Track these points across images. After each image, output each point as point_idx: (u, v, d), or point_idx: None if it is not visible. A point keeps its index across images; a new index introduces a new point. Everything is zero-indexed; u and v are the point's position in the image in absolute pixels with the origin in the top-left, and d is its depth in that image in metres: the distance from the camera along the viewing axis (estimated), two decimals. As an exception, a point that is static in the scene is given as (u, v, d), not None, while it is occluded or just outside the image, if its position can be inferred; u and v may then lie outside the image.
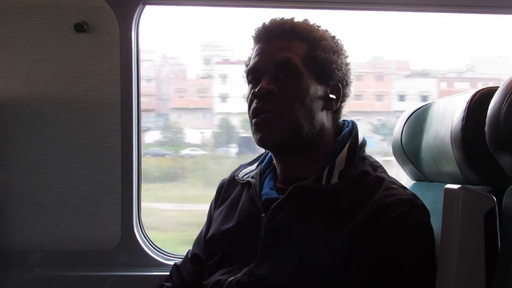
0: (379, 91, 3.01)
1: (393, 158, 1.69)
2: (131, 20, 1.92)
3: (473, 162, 1.19)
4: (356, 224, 1.18)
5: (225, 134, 2.95)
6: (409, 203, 1.20)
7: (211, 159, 2.91)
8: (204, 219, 1.56)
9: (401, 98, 2.95)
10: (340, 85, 1.35)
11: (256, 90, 1.28)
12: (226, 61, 3.00)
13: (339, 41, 1.37)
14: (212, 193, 1.55)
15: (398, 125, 1.62)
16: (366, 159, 1.33)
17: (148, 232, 2.01)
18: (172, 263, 1.68)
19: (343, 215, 1.21)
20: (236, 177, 1.46)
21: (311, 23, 1.36)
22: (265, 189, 1.35)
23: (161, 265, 1.95)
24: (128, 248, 1.95)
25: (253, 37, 1.37)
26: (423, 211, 1.23)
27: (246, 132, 2.67)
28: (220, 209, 1.45)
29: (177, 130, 2.98)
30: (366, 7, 2.05)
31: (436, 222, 1.23)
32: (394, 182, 1.27)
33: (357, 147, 1.32)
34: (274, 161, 1.38)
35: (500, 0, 2.00)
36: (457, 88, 2.81)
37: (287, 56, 1.29)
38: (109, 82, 1.92)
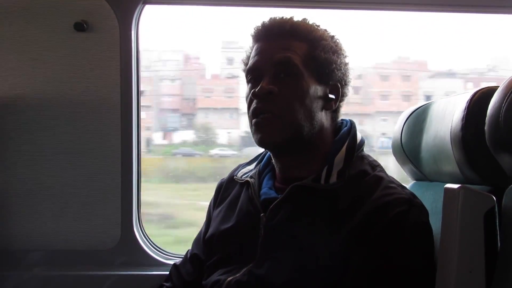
0: (405, 91, 3.01)
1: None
2: (131, 19, 1.92)
3: (472, 161, 1.19)
4: (355, 223, 1.18)
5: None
6: (408, 202, 1.20)
7: (241, 159, 2.90)
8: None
9: (428, 98, 2.96)
10: (339, 85, 1.35)
11: (256, 90, 1.28)
12: None
13: (338, 40, 1.37)
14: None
15: (398, 125, 1.62)
16: (364, 158, 1.33)
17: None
18: (171, 262, 1.68)
19: (342, 214, 1.21)
20: (234, 177, 1.46)
21: (310, 22, 1.36)
22: (264, 189, 1.35)
23: (160, 265, 1.95)
24: (128, 248, 1.95)
25: (252, 36, 1.37)
26: (422, 211, 1.23)
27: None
28: (219, 209, 1.45)
29: (206, 129, 2.98)
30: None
31: (436, 222, 1.23)
32: (392, 181, 1.28)
33: (355, 147, 1.32)
34: (273, 160, 1.38)
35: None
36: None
37: (287, 56, 1.29)
38: (109, 81, 1.92)
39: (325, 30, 1.36)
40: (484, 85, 1.25)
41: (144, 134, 2.81)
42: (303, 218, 1.25)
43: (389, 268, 1.16)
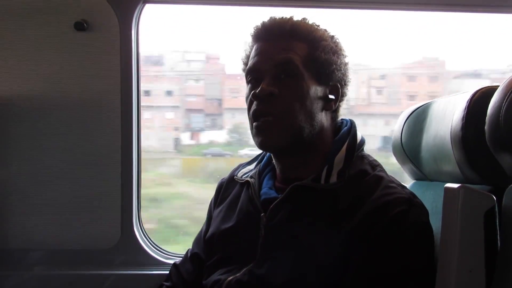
0: (432, 92, 3.01)
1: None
2: (131, 18, 1.92)
3: (473, 161, 1.19)
4: (355, 223, 1.18)
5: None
6: (408, 202, 1.20)
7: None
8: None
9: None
10: (339, 85, 1.34)
11: (257, 91, 1.27)
12: None
13: (338, 40, 1.37)
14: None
15: (398, 124, 1.62)
16: (364, 158, 1.33)
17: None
18: (171, 262, 1.68)
19: (342, 214, 1.21)
20: (235, 177, 1.46)
21: (310, 22, 1.35)
22: (264, 189, 1.35)
23: (160, 264, 1.95)
24: (127, 247, 1.95)
25: (252, 35, 1.36)
26: (422, 210, 1.23)
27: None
28: (219, 208, 1.44)
29: (236, 130, 2.98)
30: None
31: (436, 221, 1.23)
32: (393, 181, 1.27)
33: (355, 146, 1.32)
34: (274, 161, 1.38)
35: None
36: None
37: (288, 56, 1.28)
38: (109, 81, 1.92)
39: (325, 30, 1.36)
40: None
41: (172, 134, 2.82)
42: (303, 218, 1.25)
43: (389, 268, 1.15)
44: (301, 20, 1.34)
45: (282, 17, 1.33)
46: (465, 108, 1.20)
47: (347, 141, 1.32)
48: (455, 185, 1.09)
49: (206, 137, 2.90)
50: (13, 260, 1.91)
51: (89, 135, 1.93)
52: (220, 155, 2.91)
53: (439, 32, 2.45)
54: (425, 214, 1.23)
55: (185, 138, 2.96)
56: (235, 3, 2.08)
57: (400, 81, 2.94)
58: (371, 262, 1.16)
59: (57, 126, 1.92)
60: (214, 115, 2.98)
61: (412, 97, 2.91)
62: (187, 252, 1.54)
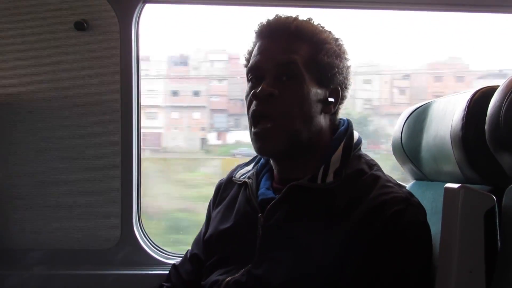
0: (459, 92, 3.02)
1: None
2: (131, 18, 1.92)
3: (473, 161, 1.19)
4: (352, 223, 1.18)
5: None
6: (405, 201, 1.20)
7: None
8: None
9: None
10: (339, 88, 1.34)
11: (257, 91, 1.26)
12: None
13: (342, 43, 1.36)
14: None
15: (398, 124, 1.62)
16: (361, 158, 1.32)
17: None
18: (171, 262, 1.68)
19: (339, 214, 1.21)
20: (233, 177, 1.45)
21: (315, 23, 1.34)
22: (262, 189, 1.35)
23: (160, 264, 1.95)
24: (128, 247, 1.95)
25: (256, 32, 1.35)
26: (419, 209, 1.22)
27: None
28: (218, 209, 1.44)
29: None
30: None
31: (436, 221, 1.23)
32: (390, 180, 1.27)
33: (352, 146, 1.31)
34: (271, 162, 1.38)
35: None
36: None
37: (290, 57, 1.27)
38: (109, 80, 1.91)
39: (330, 32, 1.35)
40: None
41: (199, 134, 2.82)
42: (300, 218, 1.25)
43: (387, 268, 1.15)
44: (306, 21, 1.33)
45: (288, 17, 1.32)
46: (465, 108, 1.20)
47: (344, 140, 1.31)
48: (455, 185, 1.09)
49: (232, 137, 2.90)
50: (13, 260, 1.91)
51: (89, 135, 1.92)
52: (249, 155, 2.92)
53: (461, 32, 2.44)
54: (422, 213, 1.23)
55: (211, 138, 2.97)
56: (235, 3, 2.08)
57: (426, 82, 2.94)
58: (369, 261, 1.16)
59: (57, 126, 1.92)
60: (237, 115, 2.98)
61: (438, 98, 2.93)
62: (186, 253, 1.53)
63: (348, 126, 1.35)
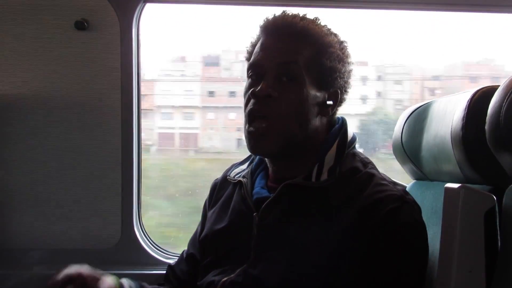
0: None
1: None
2: (132, 18, 1.92)
3: (473, 161, 1.19)
4: (348, 221, 1.18)
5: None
6: (400, 199, 1.19)
7: None
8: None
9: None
10: (339, 91, 1.33)
11: (256, 90, 1.26)
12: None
13: (346, 47, 1.34)
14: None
15: (398, 124, 1.62)
16: (356, 156, 1.32)
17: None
18: (171, 261, 1.68)
19: (334, 212, 1.20)
20: (228, 177, 1.45)
21: (322, 24, 1.32)
22: (256, 188, 1.34)
23: (160, 264, 1.95)
24: (128, 247, 1.95)
25: (261, 27, 1.33)
26: (414, 207, 1.22)
27: (363, 132, 2.68)
28: (213, 209, 1.44)
29: None
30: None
31: (436, 221, 1.23)
32: (384, 178, 1.27)
33: (346, 144, 1.31)
34: (266, 161, 1.38)
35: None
36: None
37: (292, 58, 1.26)
38: (109, 80, 1.92)
39: (335, 35, 1.33)
40: None
41: (235, 134, 2.83)
42: (295, 217, 1.25)
43: (383, 266, 1.15)
44: (312, 22, 1.31)
45: (295, 16, 1.30)
46: (465, 108, 1.20)
47: (338, 138, 1.31)
48: (456, 185, 1.09)
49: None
50: (13, 259, 1.91)
51: (90, 135, 1.93)
52: None
53: (495, 33, 2.43)
54: (417, 211, 1.22)
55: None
56: (236, 2, 2.08)
57: (461, 83, 2.93)
58: (364, 260, 1.16)
59: (58, 126, 1.92)
60: None
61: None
62: (182, 253, 1.52)
63: (342, 125, 1.35)
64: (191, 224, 1.77)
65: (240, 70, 2.89)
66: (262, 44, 1.31)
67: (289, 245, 1.22)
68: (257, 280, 1.22)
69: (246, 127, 1.29)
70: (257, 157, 1.43)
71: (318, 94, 1.29)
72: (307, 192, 1.25)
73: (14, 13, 1.90)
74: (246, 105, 1.30)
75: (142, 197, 2.01)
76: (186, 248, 1.53)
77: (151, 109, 2.93)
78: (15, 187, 1.93)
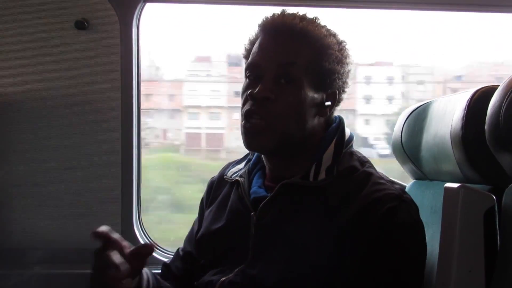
0: None
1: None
2: (132, 17, 1.92)
3: (472, 161, 1.19)
4: (345, 220, 1.17)
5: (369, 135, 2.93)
6: (398, 198, 1.19)
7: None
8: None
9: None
10: (337, 92, 1.32)
11: (254, 92, 1.25)
12: (375, 63, 2.98)
13: (345, 48, 1.33)
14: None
15: (398, 124, 1.62)
16: (353, 155, 1.31)
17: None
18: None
19: (332, 211, 1.20)
20: (225, 176, 1.44)
21: (321, 24, 1.31)
22: (254, 188, 1.33)
23: (160, 263, 1.94)
24: (128, 246, 1.94)
25: (260, 25, 1.32)
26: (412, 206, 1.22)
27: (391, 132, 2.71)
28: (210, 208, 1.43)
29: None
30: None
31: (435, 221, 1.23)
32: (382, 177, 1.26)
33: (343, 143, 1.31)
34: (264, 160, 1.37)
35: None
36: None
37: (291, 60, 1.25)
38: (110, 80, 1.92)
39: (334, 36, 1.32)
40: None
41: None
42: (293, 216, 1.24)
43: (381, 266, 1.15)
44: (312, 23, 1.29)
45: (294, 16, 1.29)
46: (465, 108, 1.20)
47: (335, 137, 1.31)
48: (455, 185, 1.09)
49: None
50: (14, 259, 1.91)
51: (90, 134, 1.93)
52: None
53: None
54: (415, 210, 1.22)
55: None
56: (236, 2, 2.09)
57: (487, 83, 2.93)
58: (363, 260, 1.16)
59: (58, 126, 1.92)
60: None
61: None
62: (177, 251, 1.50)
63: (339, 123, 1.34)
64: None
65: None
66: (260, 44, 1.30)
67: (287, 244, 1.22)
68: (256, 280, 1.22)
69: (243, 123, 1.28)
70: (254, 156, 1.42)
71: (316, 95, 1.28)
72: (305, 191, 1.25)
73: (14, 13, 1.90)
74: (243, 105, 1.29)
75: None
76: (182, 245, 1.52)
77: (178, 109, 2.95)
78: (15, 187, 1.93)
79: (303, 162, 1.29)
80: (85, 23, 1.88)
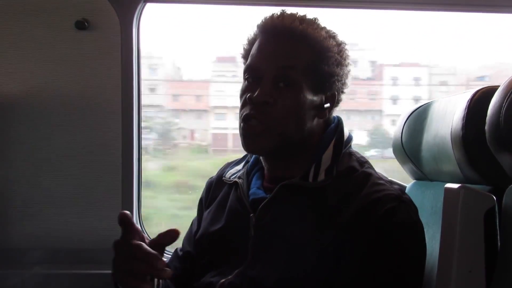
0: None
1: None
2: (132, 17, 1.92)
3: (473, 161, 1.19)
4: (345, 221, 1.17)
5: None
6: (397, 199, 1.19)
7: (382, 161, 2.85)
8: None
9: None
10: (336, 93, 1.32)
11: (253, 96, 1.24)
12: (400, 64, 2.99)
13: (344, 49, 1.32)
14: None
15: (398, 124, 1.62)
16: (352, 155, 1.31)
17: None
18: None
19: (331, 212, 1.20)
20: (223, 177, 1.43)
21: (321, 26, 1.29)
22: (253, 189, 1.33)
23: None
24: (128, 246, 1.94)
25: (259, 26, 1.31)
26: (411, 207, 1.22)
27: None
28: (209, 209, 1.42)
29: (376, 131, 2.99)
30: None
31: (436, 221, 1.23)
32: (381, 177, 1.26)
33: (343, 143, 1.30)
34: (262, 161, 1.37)
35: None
36: None
37: (291, 63, 1.25)
38: (110, 80, 1.92)
39: (334, 37, 1.30)
40: None
41: None
42: (293, 217, 1.24)
43: (381, 267, 1.15)
44: (312, 25, 1.28)
45: (294, 18, 1.27)
46: (465, 108, 1.20)
47: (334, 138, 1.30)
48: (455, 185, 1.09)
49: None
50: (13, 259, 1.91)
51: (90, 134, 1.93)
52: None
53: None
54: (414, 210, 1.22)
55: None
56: (236, 2, 2.09)
57: None
58: (362, 261, 1.15)
59: (58, 125, 1.92)
60: None
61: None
62: (176, 251, 1.49)
63: (338, 124, 1.34)
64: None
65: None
66: (260, 46, 1.29)
67: (286, 245, 1.21)
68: (255, 281, 1.22)
69: (241, 125, 1.27)
70: (253, 157, 1.42)
71: (315, 98, 1.28)
72: (304, 192, 1.25)
73: (15, 13, 1.90)
74: (241, 108, 1.29)
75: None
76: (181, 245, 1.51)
77: (205, 110, 2.95)
78: (15, 187, 1.94)
79: (302, 162, 1.29)
80: (86, 23, 1.89)
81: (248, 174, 1.38)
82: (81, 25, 1.88)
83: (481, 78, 2.86)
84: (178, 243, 1.51)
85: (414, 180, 1.62)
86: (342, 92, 1.34)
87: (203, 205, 1.48)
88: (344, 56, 1.32)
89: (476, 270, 1.05)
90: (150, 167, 2.78)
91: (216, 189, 1.45)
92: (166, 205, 2.72)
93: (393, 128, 1.67)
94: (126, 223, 1.13)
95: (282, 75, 1.25)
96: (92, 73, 1.92)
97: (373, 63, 3.06)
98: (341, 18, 2.13)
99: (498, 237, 1.09)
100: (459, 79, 2.90)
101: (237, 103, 1.33)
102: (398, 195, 1.20)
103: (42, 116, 1.92)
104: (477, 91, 1.21)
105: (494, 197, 1.07)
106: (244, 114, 1.27)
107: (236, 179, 1.37)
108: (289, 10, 1.32)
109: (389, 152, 1.67)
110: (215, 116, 2.90)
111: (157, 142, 2.99)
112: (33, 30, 1.90)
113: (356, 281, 1.15)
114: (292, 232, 1.22)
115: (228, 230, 1.33)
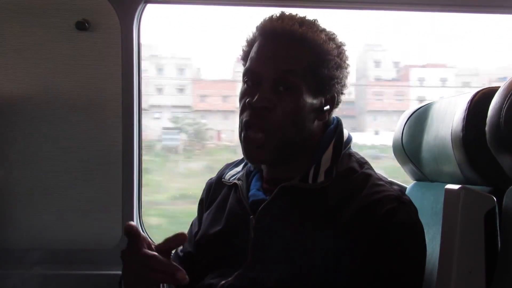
0: None
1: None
2: (133, 18, 1.92)
3: (473, 162, 1.19)
4: (345, 222, 1.17)
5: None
6: (397, 200, 1.19)
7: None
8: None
9: None
10: (335, 95, 1.31)
11: (253, 101, 1.23)
12: (426, 65, 2.99)
13: (344, 51, 1.31)
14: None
15: (398, 125, 1.62)
16: (352, 156, 1.31)
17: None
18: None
19: (331, 213, 1.20)
20: (223, 179, 1.43)
21: (320, 29, 1.29)
22: (252, 190, 1.33)
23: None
24: (128, 247, 1.94)
25: (258, 28, 1.30)
26: (411, 207, 1.21)
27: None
28: (208, 211, 1.42)
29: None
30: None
31: (436, 222, 1.23)
32: (381, 178, 1.26)
33: (342, 144, 1.30)
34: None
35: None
36: None
37: (290, 68, 1.24)
38: (110, 80, 1.92)
39: (333, 40, 1.30)
40: None
41: None
42: (292, 219, 1.24)
43: (381, 268, 1.15)
44: (311, 28, 1.27)
45: (293, 21, 1.26)
46: (465, 109, 1.20)
47: (334, 139, 1.30)
48: (456, 186, 1.09)
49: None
50: (13, 259, 1.90)
51: (90, 135, 1.93)
52: (377, 157, 2.85)
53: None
54: (414, 211, 1.22)
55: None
56: (236, 3, 2.09)
57: None
58: (362, 262, 1.15)
59: (58, 126, 1.92)
60: (352, 117, 2.96)
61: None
62: (176, 252, 1.48)
63: (337, 125, 1.33)
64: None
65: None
66: (259, 49, 1.28)
67: (286, 247, 1.21)
68: (255, 283, 1.21)
69: (243, 133, 1.27)
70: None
71: (315, 101, 1.27)
72: (304, 193, 1.24)
73: (15, 13, 1.90)
74: (241, 113, 1.28)
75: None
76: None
77: (232, 111, 2.92)
78: (15, 187, 1.93)
79: (301, 164, 1.29)
80: (86, 24, 1.88)
81: (248, 175, 1.38)
82: (81, 26, 1.88)
83: (503, 78, 2.87)
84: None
85: (415, 181, 1.62)
86: (342, 93, 1.33)
87: (203, 206, 1.48)
88: (343, 58, 1.31)
89: (476, 270, 1.06)
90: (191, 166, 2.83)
91: (216, 190, 1.45)
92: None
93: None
94: (133, 234, 1.12)
95: (281, 79, 1.24)
96: (93, 74, 1.91)
97: (396, 64, 3.08)
98: (365, 20, 2.14)
99: (498, 238, 1.09)
100: (481, 80, 2.89)
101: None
102: (398, 196, 1.20)
103: (43, 116, 1.92)
104: (477, 92, 1.21)
105: (495, 198, 1.07)
106: (244, 120, 1.27)
107: (235, 181, 1.37)
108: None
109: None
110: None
111: (185, 143, 3.00)
112: (34, 31, 1.90)
113: (356, 282, 1.15)
114: (292, 234, 1.22)
115: (228, 232, 1.32)
